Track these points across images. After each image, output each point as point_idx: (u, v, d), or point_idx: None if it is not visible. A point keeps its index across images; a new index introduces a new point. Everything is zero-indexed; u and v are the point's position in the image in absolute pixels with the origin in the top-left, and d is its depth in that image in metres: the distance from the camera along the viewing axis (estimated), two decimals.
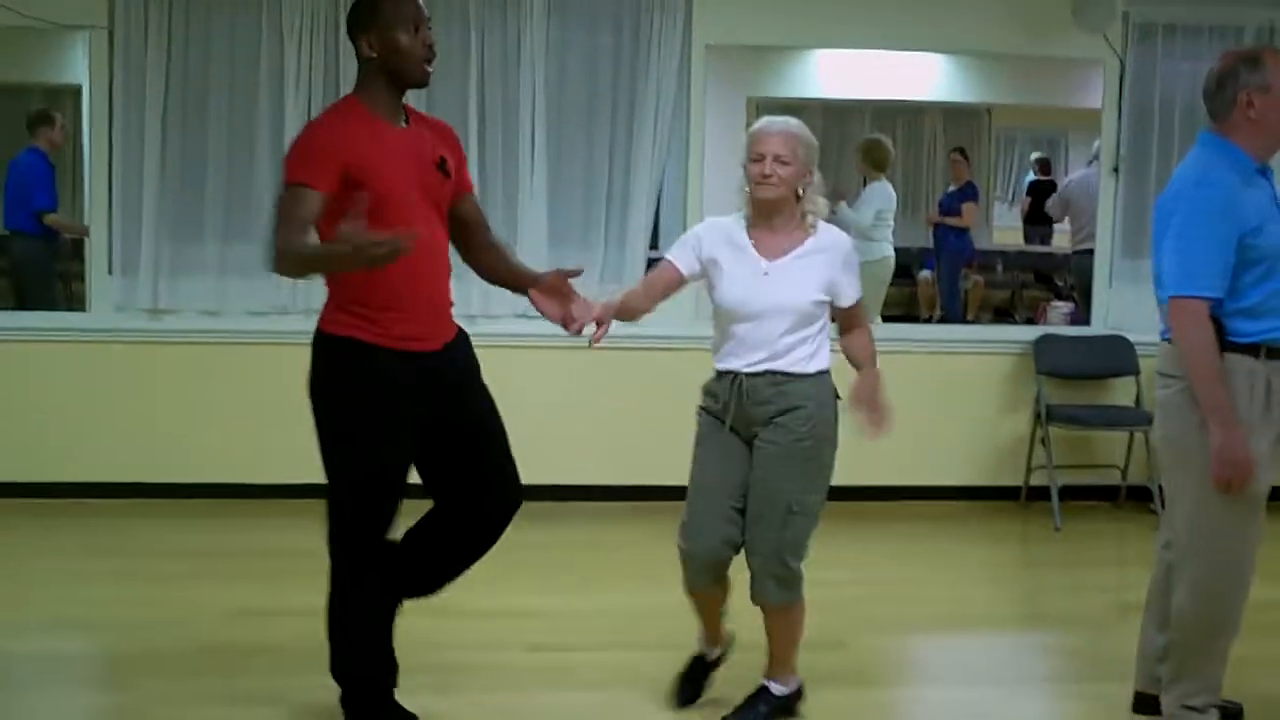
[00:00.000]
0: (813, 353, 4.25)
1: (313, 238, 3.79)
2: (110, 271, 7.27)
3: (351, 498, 4.09)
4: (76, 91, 7.75)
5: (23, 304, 8.42)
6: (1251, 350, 4.06)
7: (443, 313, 4.13)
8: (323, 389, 4.08)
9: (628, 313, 4.44)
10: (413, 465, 4.14)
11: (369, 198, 3.63)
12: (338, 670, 4.24)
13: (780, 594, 4.28)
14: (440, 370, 4.05)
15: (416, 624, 4.91)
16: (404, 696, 4.40)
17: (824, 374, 4.28)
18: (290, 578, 5.90)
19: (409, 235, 3.50)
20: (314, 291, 7.08)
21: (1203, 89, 4.21)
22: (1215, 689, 4.26)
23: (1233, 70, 4.10)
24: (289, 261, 3.79)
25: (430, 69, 3.97)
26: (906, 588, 6.16)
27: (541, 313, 4.22)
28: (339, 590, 4.18)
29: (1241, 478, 3.98)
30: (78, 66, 7.44)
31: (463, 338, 4.21)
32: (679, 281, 4.40)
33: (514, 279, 4.32)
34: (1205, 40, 7.61)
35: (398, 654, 4.35)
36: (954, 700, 4.85)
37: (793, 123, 4.26)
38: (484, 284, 7.34)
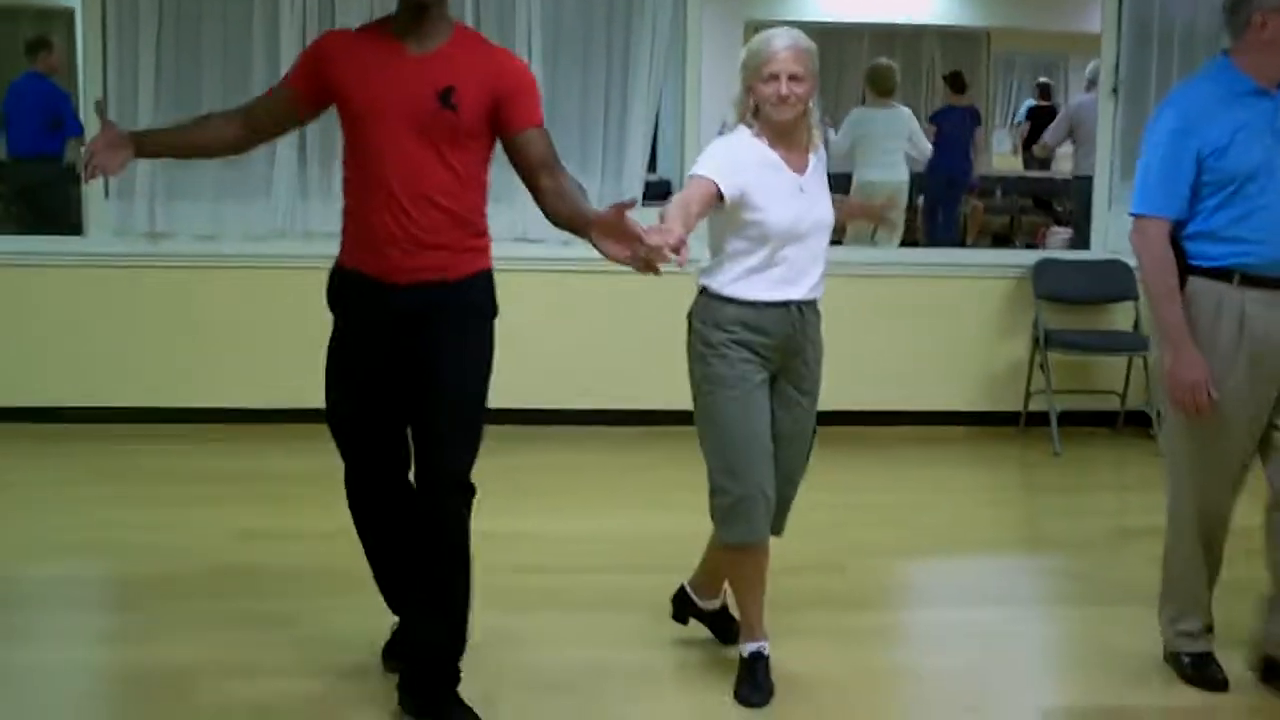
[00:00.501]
0: (823, 272, 4.14)
1: (201, 124, 3.99)
2: (106, 196, 7.24)
3: (329, 418, 4.02)
4: (69, 15, 7.68)
5: (32, 229, 8.32)
6: (1221, 275, 4.00)
7: (416, 248, 3.77)
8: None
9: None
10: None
11: (348, 120, 3.73)
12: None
13: (782, 524, 4.26)
14: (401, 309, 3.80)
15: None
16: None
17: None
18: (298, 502, 5.97)
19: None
20: (311, 215, 7.16)
21: (1222, 5, 4.14)
22: (1202, 613, 4.28)
23: None
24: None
25: None
26: (905, 512, 6.18)
27: (605, 255, 3.63)
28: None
29: (1197, 400, 3.96)
30: None
31: (456, 287, 3.84)
32: (715, 201, 3.95)
33: (572, 222, 3.78)
34: None
35: None
36: (953, 621, 4.88)
37: (798, 35, 4.03)
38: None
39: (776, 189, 3.99)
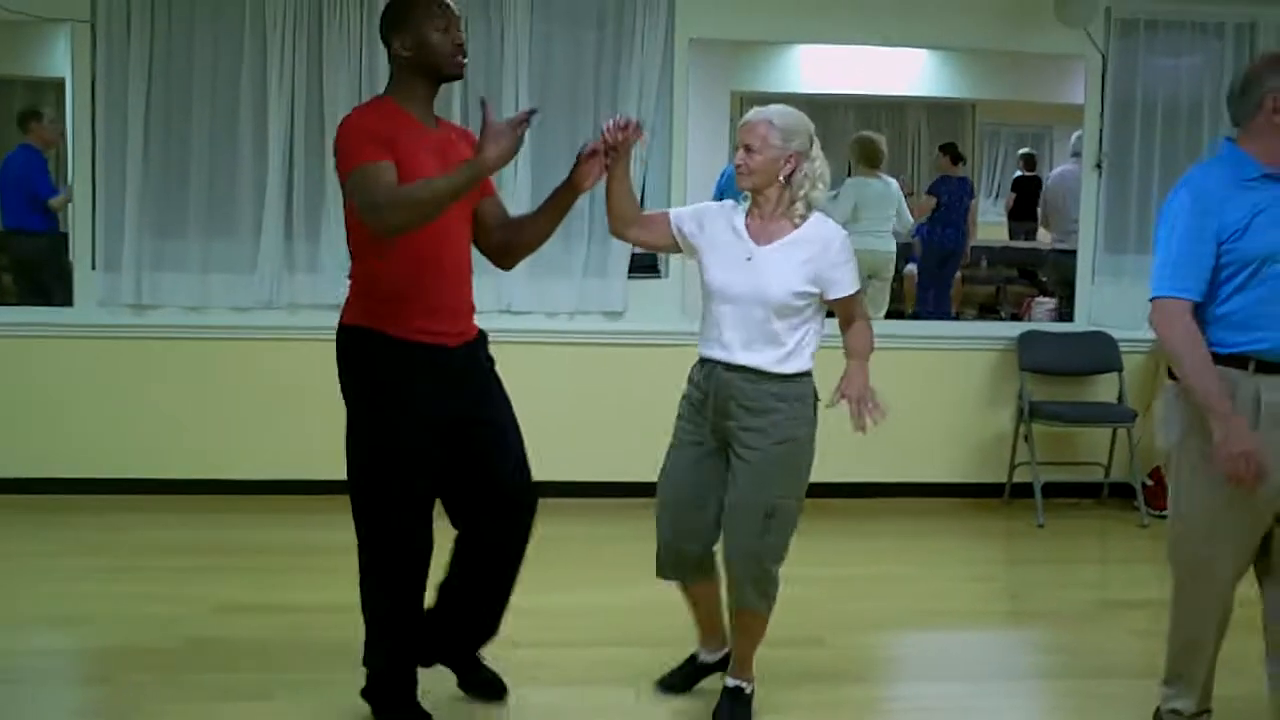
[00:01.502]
0: (791, 352, 4.21)
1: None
2: (94, 267, 7.26)
3: (371, 488, 4.15)
4: (59, 85, 7.71)
5: (27, 301, 8.31)
6: (1237, 362, 3.96)
7: (462, 311, 4.20)
8: (345, 381, 4.16)
9: (616, 193, 4.32)
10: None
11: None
12: (366, 658, 4.34)
13: (757, 600, 4.29)
14: (458, 367, 4.15)
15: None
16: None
17: (803, 375, 4.26)
18: (278, 574, 5.96)
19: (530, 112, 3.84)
20: (297, 288, 7.20)
21: (1226, 93, 4.14)
22: (1201, 694, 4.22)
23: (1258, 74, 4.03)
24: (404, 207, 3.79)
25: (463, 63, 4.10)
26: (889, 584, 6.17)
27: (582, 190, 4.17)
28: (366, 580, 4.26)
29: (1251, 470, 3.85)
30: (60, 60, 7.41)
31: (482, 338, 4.31)
32: (664, 225, 4.40)
33: (548, 211, 4.28)
34: (1187, 36, 7.65)
35: None
36: (935, 695, 4.87)
37: (772, 110, 4.22)
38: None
39: (723, 250, 4.27)
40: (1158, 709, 4.29)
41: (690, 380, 4.37)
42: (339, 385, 4.17)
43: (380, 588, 4.24)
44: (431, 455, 4.12)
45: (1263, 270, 3.93)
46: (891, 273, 9.57)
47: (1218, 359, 3.94)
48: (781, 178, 4.19)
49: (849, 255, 4.28)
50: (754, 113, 4.23)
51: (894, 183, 9.67)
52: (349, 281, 4.23)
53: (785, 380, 4.21)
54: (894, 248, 9.50)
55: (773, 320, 4.18)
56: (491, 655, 4.89)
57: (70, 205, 7.41)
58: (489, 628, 4.52)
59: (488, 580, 4.42)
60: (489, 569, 4.40)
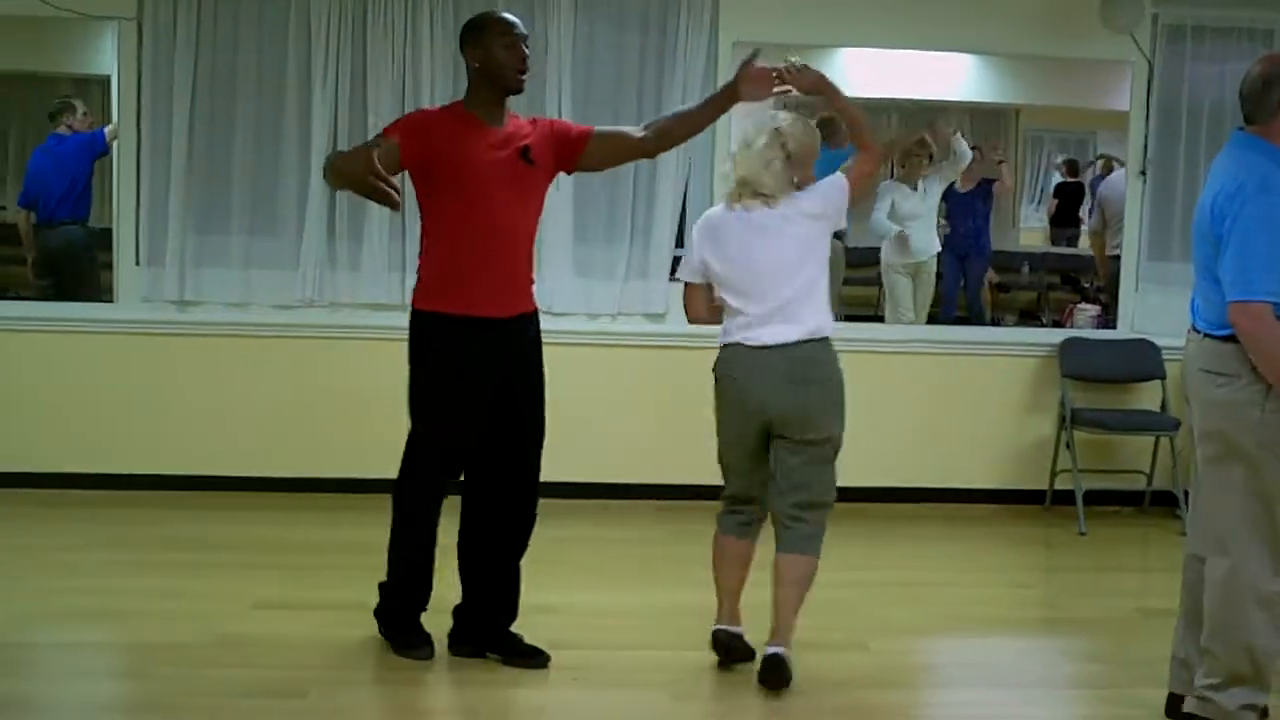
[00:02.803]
0: None
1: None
2: (137, 263, 7.30)
3: (426, 448, 4.77)
4: (104, 82, 7.75)
5: (61, 295, 8.33)
6: None
7: (518, 288, 4.77)
8: (412, 357, 4.73)
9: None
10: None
11: (452, 182, 4.55)
12: (384, 586, 4.98)
13: None
14: (510, 335, 4.72)
15: (441, 621, 4.95)
16: (423, 690, 4.58)
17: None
18: (311, 571, 5.97)
19: (396, 205, 4.28)
20: (339, 286, 7.20)
21: (1240, 90, 4.18)
22: (1267, 688, 4.25)
23: (1278, 73, 4.09)
24: (329, 167, 4.58)
25: (524, 79, 4.66)
26: (929, 590, 6.14)
27: (741, 98, 4.80)
28: (398, 524, 4.89)
29: None
30: (106, 58, 7.45)
31: (535, 315, 4.85)
32: None
33: (706, 110, 4.99)
34: (1234, 42, 7.58)
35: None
36: (975, 702, 4.83)
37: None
38: None
39: None
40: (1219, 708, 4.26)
41: None
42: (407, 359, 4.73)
43: (401, 520, 4.89)
44: (477, 410, 4.68)
45: None
46: (934, 273, 9.51)
47: None
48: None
49: None
50: None
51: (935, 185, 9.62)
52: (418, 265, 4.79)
53: None
54: (936, 249, 9.44)
55: None
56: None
57: (115, 200, 7.42)
58: (511, 597, 4.91)
59: (503, 544, 4.89)
60: (502, 530, 4.87)
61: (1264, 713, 4.29)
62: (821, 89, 4.72)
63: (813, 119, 4.81)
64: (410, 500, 4.87)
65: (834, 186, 4.63)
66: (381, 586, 5.00)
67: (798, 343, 4.55)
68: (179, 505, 7.03)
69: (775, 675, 4.57)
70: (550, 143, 4.76)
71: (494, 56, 4.60)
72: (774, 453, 4.63)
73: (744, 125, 4.75)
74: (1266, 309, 4.00)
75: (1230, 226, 4.04)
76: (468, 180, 4.57)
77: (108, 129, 7.65)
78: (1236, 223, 4.03)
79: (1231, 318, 4.04)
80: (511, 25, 4.65)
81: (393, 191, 4.21)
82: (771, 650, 4.61)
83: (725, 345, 4.71)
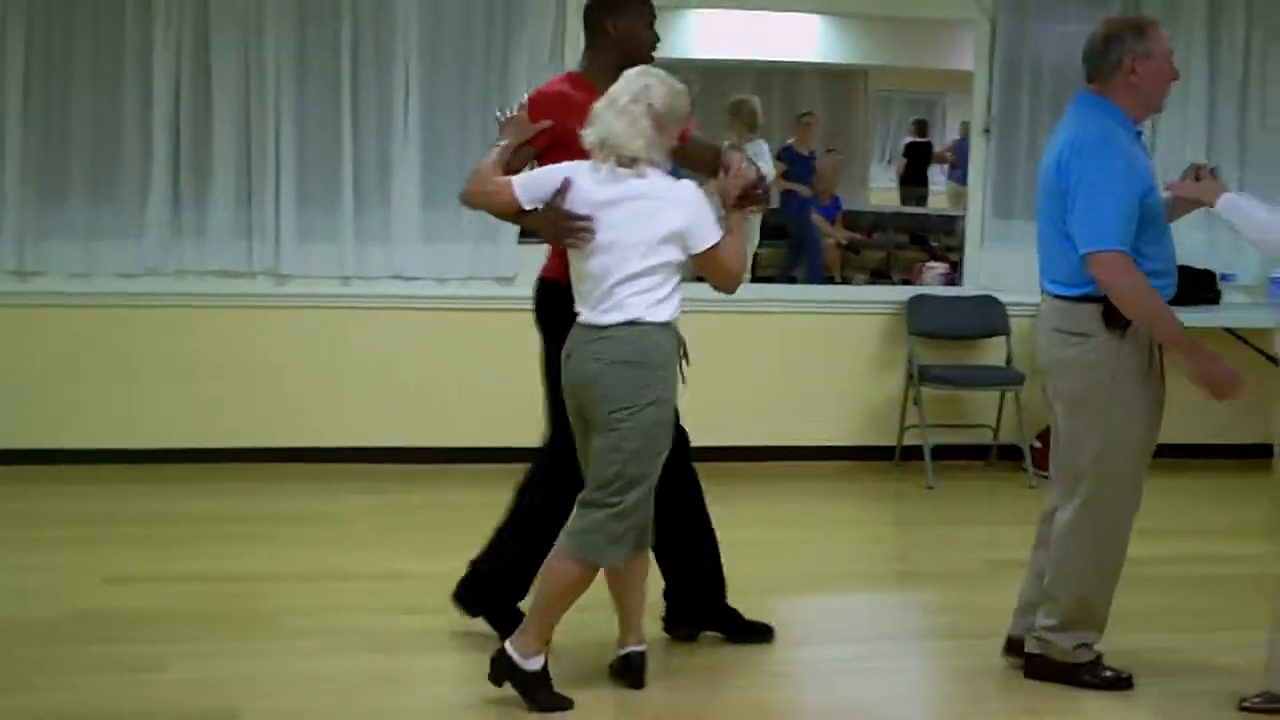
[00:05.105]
0: None
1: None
2: None
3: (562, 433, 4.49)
4: None
5: None
6: None
7: None
8: (540, 324, 4.65)
9: None
10: None
11: (580, 156, 4.24)
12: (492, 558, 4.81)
13: None
14: None
15: (302, 588, 4.91)
16: (289, 659, 4.55)
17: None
18: (166, 544, 5.89)
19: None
20: (185, 253, 7.08)
21: (1084, 50, 4.35)
22: (1101, 630, 4.46)
23: (1119, 35, 4.28)
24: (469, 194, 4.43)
25: (654, 56, 4.55)
26: (780, 548, 6.20)
27: None
28: (532, 495, 4.78)
29: (1234, 385, 4.18)
30: None
31: None
32: None
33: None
34: (1074, 2, 7.72)
35: (281, 620, 4.86)
36: (827, 658, 4.90)
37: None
38: (358, 245, 7.30)
39: None
40: (1051, 655, 4.45)
41: None
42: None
43: (539, 504, 4.70)
44: None
45: (1158, 222, 4.26)
46: (757, 238, 9.62)
47: None
48: None
49: None
50: None
51: (765, 146, 9.72)
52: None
53: None
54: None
55: None
56: (381, 624, 4.91)
57: None
58: (717, 569, 4.94)
59: (688, 515, 4.84)
60: (681, 502, 4.74)
61: (1099, 655, 4.47)
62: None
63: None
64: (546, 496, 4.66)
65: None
66: (485, 575, 4.80)
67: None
68: (29, 479, 6.83)
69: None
70: None
71: (637, 32, 4.58)
72: None
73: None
74: (1121, 257, 4.14)
75: (1076, 181, 4.18)
76: None
77: None
78: (1083, 177, 4.17)
79: (1091, 270, 4.18)
80: (652, 5, 4.65)
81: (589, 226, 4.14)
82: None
83: None
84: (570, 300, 4.31)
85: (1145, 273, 4.18)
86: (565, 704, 4.22)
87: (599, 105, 4.20)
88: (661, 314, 4.17)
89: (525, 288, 4.96)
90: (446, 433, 7.30)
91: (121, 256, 7.15)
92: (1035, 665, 4.50)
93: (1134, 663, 4.54)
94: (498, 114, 4.55)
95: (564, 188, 4.17)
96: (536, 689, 4.20)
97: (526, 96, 4.55)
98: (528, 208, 4.26)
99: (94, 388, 7.12)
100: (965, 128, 11.75)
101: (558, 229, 4.19)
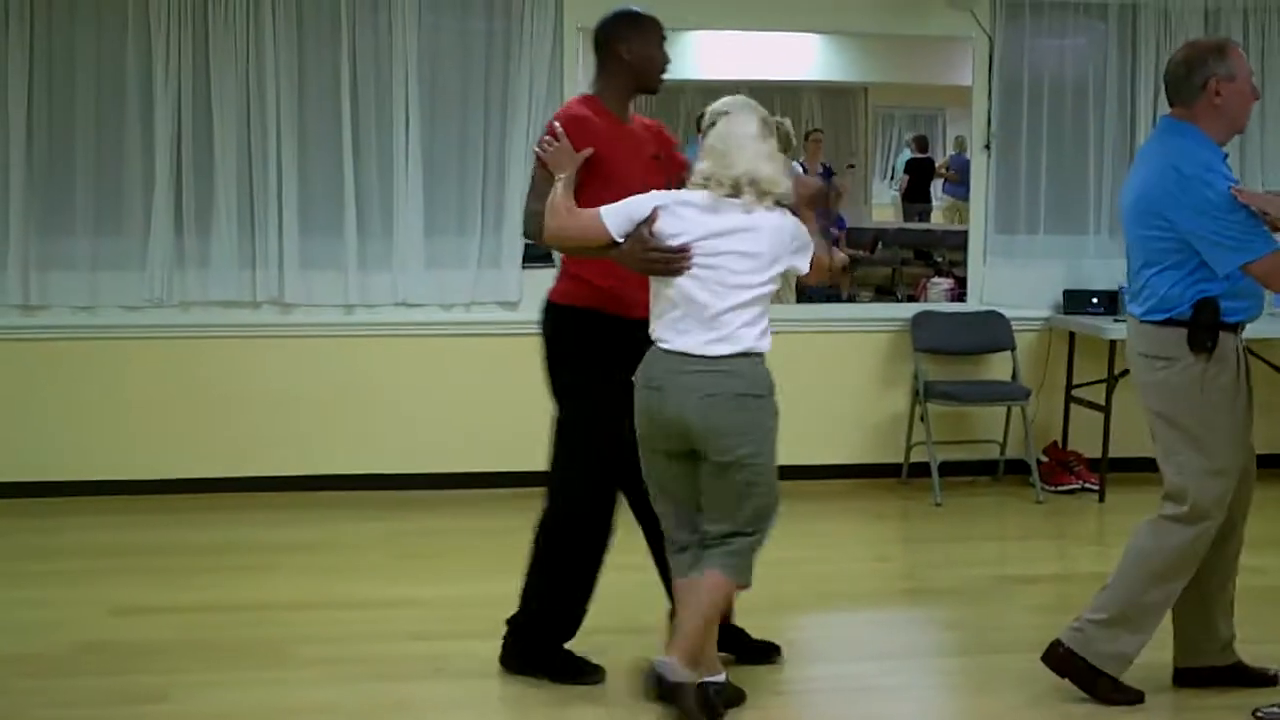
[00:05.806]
0: None
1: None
2: None
3: (574, 445, 4.57)
4: None
5: None
6: (1235, 329, 4.29)
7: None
8: (552, 353, 4.59)
9: None
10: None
11: (602, 181, 4.32)
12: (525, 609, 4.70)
13: None
14: (640, 339, 4.30)
15: (308, 617, 4.90)
16: (296, 689, 4.52)
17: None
18: (172, 575, 5.88)
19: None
20: (189, 284, 7.08)
21: (1165, 75, 4.38)
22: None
23: (1201, 58, 4.29)
24: (536, 229, 4.38)
25: (663, 81, 4.65)
26: (787, 567, 6.12)
27: None
28: (550, 534, 4.64)
29: None
30: None
31: None
32: None
33: None
34: (1071, 17, 7.77)
35: (287, 649, 4.70)
36: (836, 676, 4.89)
37: None
38: (361, 273, 7.32)
39: None
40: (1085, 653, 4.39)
41: None
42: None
43: (560, 543, 4.62)
44: (618, 419, 4.35)
45: None
46: None
47: (1226, 327, 4.25)
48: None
49: None
50: None
51: (797, 166, 9.73)
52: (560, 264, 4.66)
53: None
54: None
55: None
56: (389, 651, 4.89)
57: None
58: None
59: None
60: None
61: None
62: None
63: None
64: (562, 511, 4.65)
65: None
66: (522, 625, 4.72)
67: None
68: (29, 513, 6.86)
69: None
70: (665, 152, 4.69)
71: (649, 55, 4.57)
72: None
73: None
74: (1271, 256, 4.16)
75: (1193, 216, 4.18)
76: (614, 178, 4.37)
77: None
78: (1204, 210, 4.17)
79: (1260, 278, 4.23)
80: (662, 26, 4.65)
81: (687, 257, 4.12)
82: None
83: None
84: (585, 325, 4.38)
85: (1231, 293, 4.21)
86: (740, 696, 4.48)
87: (729, 141, 4.22)
88: (767, 343, 4.26)
89: (529, 313, 4.95)
90: (452, 458, 7.31)
91: (126, 288, 7.18)
92: (1057, 657, 4.45)
93: (1148, 674, 4.51)
94: (536, 148, 4.44)
95: (652, 218, 4.16)
96: (739, 696, 4.46)
97: (558, 123, 4.41)
98: (620, 240, 4.19)
99: (99, 420, 7.14)
100: (960, 143, 11.82)
101: (648, 261, 4.14)
